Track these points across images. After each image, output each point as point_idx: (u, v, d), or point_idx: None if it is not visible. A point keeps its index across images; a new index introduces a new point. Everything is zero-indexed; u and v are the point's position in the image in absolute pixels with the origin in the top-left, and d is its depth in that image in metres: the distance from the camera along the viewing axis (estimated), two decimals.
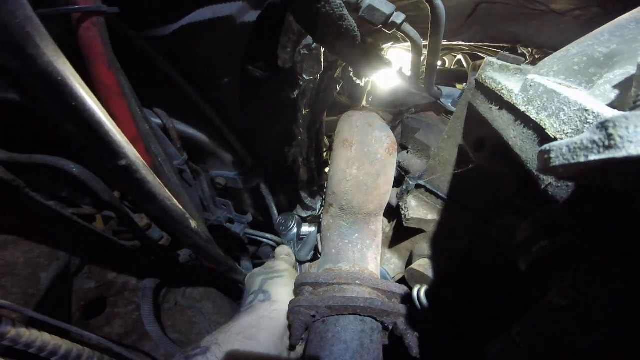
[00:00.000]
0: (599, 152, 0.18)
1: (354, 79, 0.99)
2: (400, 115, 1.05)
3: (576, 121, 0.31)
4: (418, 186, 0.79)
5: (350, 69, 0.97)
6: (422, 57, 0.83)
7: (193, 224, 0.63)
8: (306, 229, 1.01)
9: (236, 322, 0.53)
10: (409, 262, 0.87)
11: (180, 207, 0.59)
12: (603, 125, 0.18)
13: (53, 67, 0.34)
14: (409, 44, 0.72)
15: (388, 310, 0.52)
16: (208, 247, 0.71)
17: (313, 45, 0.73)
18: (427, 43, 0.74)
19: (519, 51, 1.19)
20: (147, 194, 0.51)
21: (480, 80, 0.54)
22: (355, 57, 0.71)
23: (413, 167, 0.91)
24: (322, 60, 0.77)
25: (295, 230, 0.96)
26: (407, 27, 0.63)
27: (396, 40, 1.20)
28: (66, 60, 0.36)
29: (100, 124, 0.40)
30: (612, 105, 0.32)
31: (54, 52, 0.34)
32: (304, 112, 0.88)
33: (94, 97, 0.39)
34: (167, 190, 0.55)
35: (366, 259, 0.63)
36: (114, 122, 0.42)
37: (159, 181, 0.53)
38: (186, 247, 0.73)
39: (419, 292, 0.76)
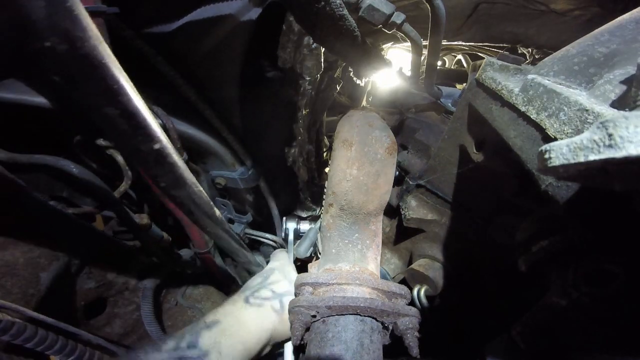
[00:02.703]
0: (599, 152, 0.18)
1: (354, 79, 0.99)
2: (401, 115, 1.05)
3: (576, 121, 0.31)
4: (418, 186, 0.79)
5: (350, 69, 0.97)
6: (422, 57, 0.83)
7: (217, 212, 0.63)
8: (305, 227, 1.01)
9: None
10: (409, 262, 0.87)
11: (205, 194, 0.59)
12: (603, 125, 0.18)
13: (97, 51, 0.34)
14: (409, 44, 0.72)
15: (388, 310, 0.52)
16: (230, 237, 0.71)
17: (313, 45, 0.73)
18: (427, 43, 0.74)
19: (519, 51, 1.19)
20: (178, 178, 0.52)
21: (480, 80, 0.54)
22: (355, 57, 0.71)
23: (413, 167, 0.91)
24: (322, 60, 0.77)
25: (290, 232, 0.96)
26: (407, 27, 0.63)
27: (396, 40, 1.20)
28: (107, 45, 0.36)
29: (138, 108, 0.41)
30: (612, 105, 0.32)
31: (97, 36, 0.34)
32: (304, 112, 0.88)
33: (130, 82, 0.40)
34: (193, 177, 0.55)
35: (366, 259, 0.63)
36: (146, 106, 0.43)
37: (186, 166, 0.53)
38: (209, 236, 0.74)
39: (419, 292, 0.76)
